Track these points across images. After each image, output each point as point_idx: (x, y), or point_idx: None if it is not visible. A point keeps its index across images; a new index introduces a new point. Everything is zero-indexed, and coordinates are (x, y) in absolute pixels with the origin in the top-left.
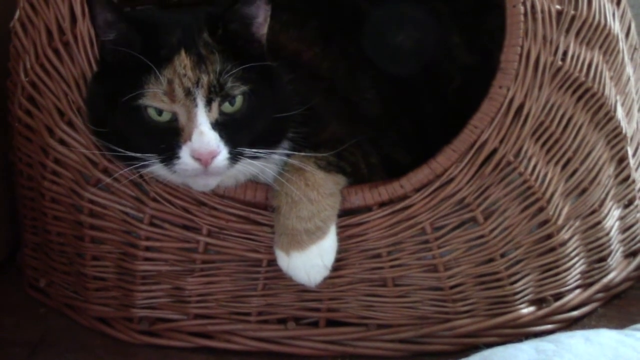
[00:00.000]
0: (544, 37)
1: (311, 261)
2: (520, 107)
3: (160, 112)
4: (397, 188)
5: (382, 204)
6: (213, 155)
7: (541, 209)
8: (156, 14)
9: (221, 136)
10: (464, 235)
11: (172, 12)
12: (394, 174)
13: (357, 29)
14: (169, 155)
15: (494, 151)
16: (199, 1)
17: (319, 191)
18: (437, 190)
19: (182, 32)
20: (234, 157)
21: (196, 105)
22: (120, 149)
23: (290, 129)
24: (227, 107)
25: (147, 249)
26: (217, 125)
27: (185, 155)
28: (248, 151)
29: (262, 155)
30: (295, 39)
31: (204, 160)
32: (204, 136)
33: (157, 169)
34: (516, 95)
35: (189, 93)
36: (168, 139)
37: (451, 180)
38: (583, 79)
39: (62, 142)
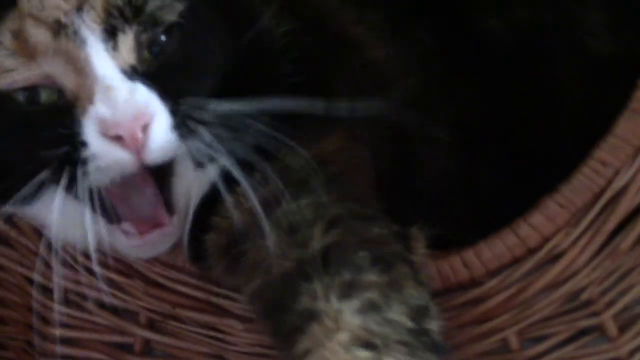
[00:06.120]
0: None
1: None
2: None
3: (34, 94)
4: (460, 267)
5: (434, 294)
6: (144, 122)
7: None
8: None
9: (152, 86)
10: (582, 357)
11: None
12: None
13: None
14: (66, 158)
15: None
16: None
17: None
18: (530, 276)
19: None
20: (184, 122)
21: (84, 43)
22: None
23: (282, 73)
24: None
25: (63, 341)
26: (139, 73)
27: (92, 137)
28: (205, 106)
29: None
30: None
31: (130, 136)
32: (115, 91)
33: (47, 203)
34: None
35: (61, 27)
36: (58, 134)
37: (557, 258)
38: None
39: None
